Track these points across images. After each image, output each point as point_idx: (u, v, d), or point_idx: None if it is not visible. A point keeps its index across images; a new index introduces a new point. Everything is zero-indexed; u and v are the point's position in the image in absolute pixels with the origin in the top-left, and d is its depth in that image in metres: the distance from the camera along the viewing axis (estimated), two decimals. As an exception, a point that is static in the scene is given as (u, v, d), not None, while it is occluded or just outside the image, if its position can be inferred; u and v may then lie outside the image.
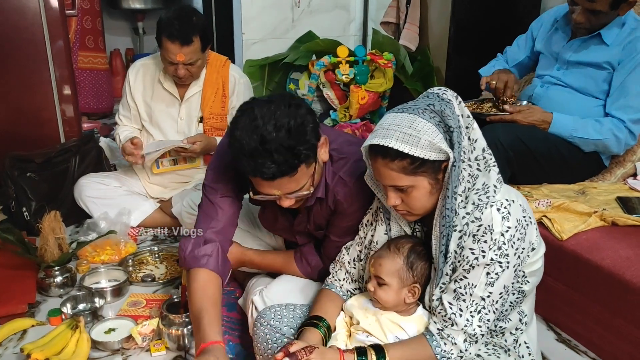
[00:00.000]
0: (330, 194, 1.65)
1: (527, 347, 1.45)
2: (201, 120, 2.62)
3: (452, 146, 1.28)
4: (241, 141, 1.39)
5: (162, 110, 2.63)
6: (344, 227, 1.68)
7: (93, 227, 2.53)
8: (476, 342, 1.33)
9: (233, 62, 3.53)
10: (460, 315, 1.30)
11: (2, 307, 1.97)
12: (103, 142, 3.23)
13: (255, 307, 1.74)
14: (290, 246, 1.99)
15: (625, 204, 2.04)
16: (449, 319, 1.31)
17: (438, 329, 1.33)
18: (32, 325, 1.95)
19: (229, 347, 1.81)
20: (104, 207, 2.59)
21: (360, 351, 1.31)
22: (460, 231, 1.31)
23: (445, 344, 1.31)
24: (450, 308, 1.31)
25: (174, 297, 1.93)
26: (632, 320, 1.72)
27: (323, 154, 1.55)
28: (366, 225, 1.57)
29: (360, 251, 1.57)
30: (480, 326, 1.31)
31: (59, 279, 2.14)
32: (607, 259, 1.79)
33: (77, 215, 2.68)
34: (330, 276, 1.64)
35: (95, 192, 2.63)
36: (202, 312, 1.52)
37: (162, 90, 2.61)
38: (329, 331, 1.47)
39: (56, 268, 2.13)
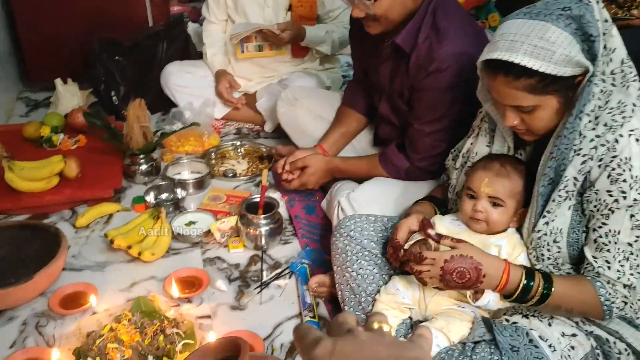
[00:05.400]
0: (416, 51, 1.59)
1: None
2: (289, 8, 2.43)
3: (592, 58, 1.06)
4: None
5: None
6: (424, 106, 1.62)
7: (178, 116, 2.50)
8: (634, 288, 1.16)
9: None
10: (609, 268, 1.14)
11: (90, 190, 2.01)
12: (191, 27, 3.13)
13: (342, 209, 1.70)
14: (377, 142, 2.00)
15: None
16: (597, 274, 1.15)
17: (593, 277, 1.17)
18: (117, 211, 1.99)
19: (306, 252, 1.77)
20: (189, 96, 2.54)
21: (529, 272, 1.17)
22: (584, 155, 1.12)
23: (609, 286, 1.15)
24: (596, 262, 1.15)
25: (254, 196, 1.88)
26: None
27: None
28: (473, 129, 1.42)
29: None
30: (632, 274, 1.14)
31: (143, 167, 2.15)
32: None
33: (163, 103, 2.66)
34: (442, 177, 1.59)
35: (181, 80, 2.58)
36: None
37: None
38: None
39: (141, 156, 2.14)
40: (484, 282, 1.15)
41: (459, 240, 1.18)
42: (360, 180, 1.85)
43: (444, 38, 1.55)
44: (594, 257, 1.15)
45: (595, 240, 1.15)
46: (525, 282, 1.15)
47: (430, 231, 1.18)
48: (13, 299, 1.53)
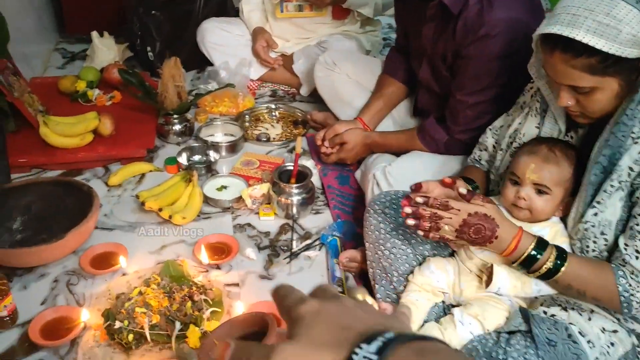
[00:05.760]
0: (464, 12, 1.49)
1: None
2: (333, -33, 2.33)
3: None
4: None
5: None
6: (468, 75, 1.54)
7: (213, 75, 2.46)
8: None
9: None
10: (637, 258, 1.06)
11: (123, 149, 2.00)
12: (229, -18, 3.05)
13: (377, 183, 1.67)
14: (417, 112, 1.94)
15: None
16: (624, 261, 1.08)
17: (619, 264, 1.10)
18: (150, 171, 1.97)
19: (337, 224, 1.73)
20: (225, 55, 2.49)
21: (540, 244, 1.12)
22: None
23: (631, 278, 1.08)
24: (626, 249, 1.08)
25: (287, 164, 1.84)
26: None
27: None
28: (522, 106, 1.35)
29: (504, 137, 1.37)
30: None
31: (177, 127, 2.12)
32: None
33: (199, 61, 2.61)
34: (473, 156, 1.49)
35: (218, 38, 2.52)
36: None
37: None
38: None
39: (175, 116, 2.10)
40: (493, 244, 1.11)
41: (489, 200, 1.14)
42: (397, 152, 1.80)
43: (497, 1, 1.46)
44: (625, 244, 1.08)
45: (631, 228, 1.08)
46: (530, 252, 1.11)
47: (462, 189, 1.12)
48: (45, 257, 1.54)
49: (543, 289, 1.18)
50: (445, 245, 1.34)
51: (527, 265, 1.12)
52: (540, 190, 1.19)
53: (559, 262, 1.10)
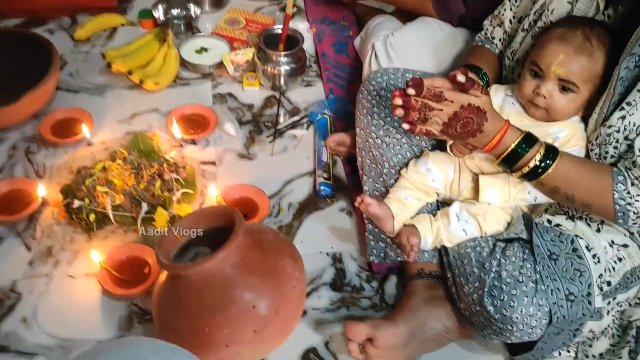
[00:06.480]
0: None
1: None
2: None
3: None
4: None
5: None
6: None
7: None
8: None
9: None
10: None
11: (90, -3, 1.75)
12: None
13: (376, 55, 1.46)
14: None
15: None
16: (633, 164, 0.93)
17: (626, 167, 0.95)
18: (122, 24, 1.74)
19: (329, 101, 1.54)
20: None
21: (528, 138, 0.97)
22: None
23: (631, 184, 0.94)
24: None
25: (275, 27, 1.60)
26: None
27: None
28: None
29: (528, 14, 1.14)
30: None
31: (153, -27, 1.85)
32: None
33: None
34: (483, 32, 1.27)
35: None
36: None
37: None
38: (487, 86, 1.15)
39: (150, -41, 1.82)
40: (476, 138, 0.96)
41: (486, 92, 0.96)
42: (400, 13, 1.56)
43: None
44: None
45: None
46: (515, 147, 0.96)
47: (460, 77, 0.93)
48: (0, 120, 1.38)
49: (539, 196, 1.04)
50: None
51: (510, 162, 0.98)
52: (565, 87, 0.99)
53: (548, 161, 0.95)
